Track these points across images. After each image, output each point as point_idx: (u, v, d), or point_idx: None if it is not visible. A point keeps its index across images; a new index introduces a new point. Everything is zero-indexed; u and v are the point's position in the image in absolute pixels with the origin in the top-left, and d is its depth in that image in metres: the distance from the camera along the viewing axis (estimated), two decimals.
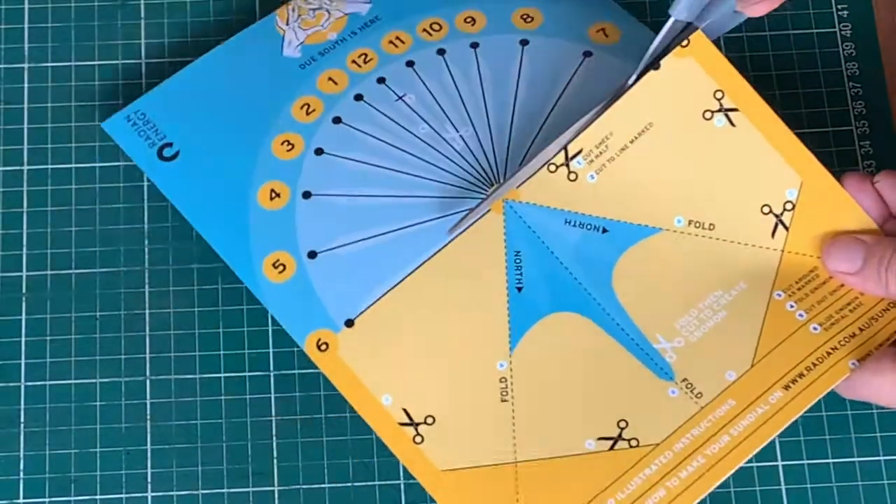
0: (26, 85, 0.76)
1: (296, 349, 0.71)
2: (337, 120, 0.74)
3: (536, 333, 0.68)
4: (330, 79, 0.75)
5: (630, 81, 0.69)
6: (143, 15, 0.78)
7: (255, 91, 0.74)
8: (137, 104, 0.74)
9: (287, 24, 0.76)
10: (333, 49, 0.76)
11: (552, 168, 0.69)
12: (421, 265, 0.69)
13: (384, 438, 0.66)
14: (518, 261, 0.69)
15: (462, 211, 0.71)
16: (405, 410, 0.67)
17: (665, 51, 0.69)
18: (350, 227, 0.71)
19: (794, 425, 0.70)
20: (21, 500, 0.69)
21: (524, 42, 0.75)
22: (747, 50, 0.77)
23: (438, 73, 0.75)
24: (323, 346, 0.68)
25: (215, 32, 0.77)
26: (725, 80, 0.68)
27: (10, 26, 0.77)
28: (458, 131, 0.73)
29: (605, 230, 0.69)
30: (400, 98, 0.74)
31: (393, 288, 0.69)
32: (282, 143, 0.73)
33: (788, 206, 0.68)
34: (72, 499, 0.69)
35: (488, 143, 0.73)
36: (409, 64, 0.75)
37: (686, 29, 0.68)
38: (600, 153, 0.68)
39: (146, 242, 0.73)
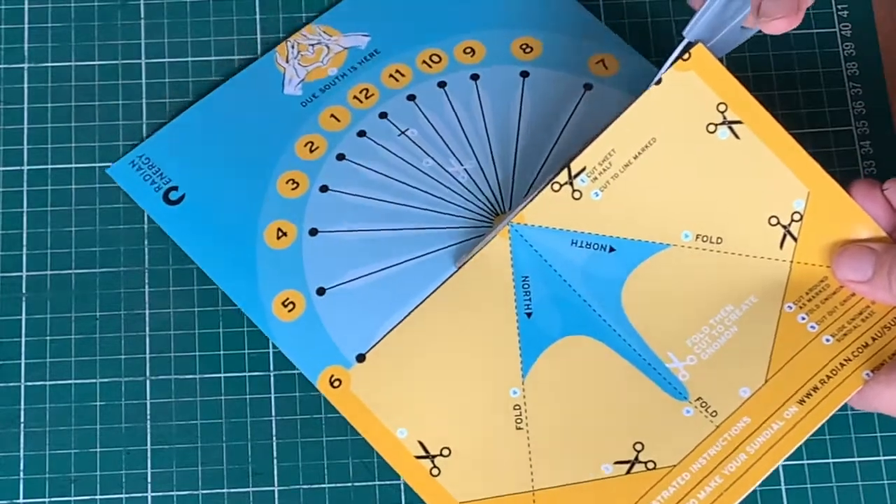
0: (26, 85, 0.76)
1: None
2: (341, 157, 0.74)
3: (548, 358, 0.68)
4: (332, 115, 0.75)
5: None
6: (143, 15, 0.78)
7: (258, 131, 0.75)
8: (141, 149, 0.74)
9: (287, 61, 0.76)
10: (334, 85, 0.76)
11: (556, 187, 0.68)
12: (429, 296, 0.70)
13: (401, 473, 0.67)
14: (526, 286, 0.69)
15: (468, 240, 0.71)
16: (421, 443, 0.67)
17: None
18: (357, 262, 0.72)
19: None
20: (21, 500, 0.69)
21: (524, 74, 0.76)
22: (747, 50, 0.77)
23: (440, 106, 0.75)
24: (336, 383, 0.69)
25: (215, 33, 0.77)
26: (728, 92, 0.67)
27: (10, 26, 0.77)
28: (461, 164, 0.74)
29: (611, 249, 0.69)
30: (402, 133, 0.74)
31: (402, 321, 0.70)
32: (287, 182, 0.73)
33: (796, 216, 0.68)
34: (72, 499, 0.69)
35: (493, 175, 0.73)
36: (411, 98, 0.75)
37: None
38: (604, 170, 0.68)
39: (146, 242, 0.73)
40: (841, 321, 0.67)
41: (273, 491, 0.69)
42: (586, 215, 0.69)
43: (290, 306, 0.71)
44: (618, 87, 0.75)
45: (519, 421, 0.67)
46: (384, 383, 0.68)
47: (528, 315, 0.68)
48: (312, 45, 0.76)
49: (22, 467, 0.70)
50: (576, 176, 0.68)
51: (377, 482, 0.70)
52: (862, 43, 0.78)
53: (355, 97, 0.75)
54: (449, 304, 0.69)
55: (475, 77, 0.76)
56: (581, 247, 0.69)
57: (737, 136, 0.67)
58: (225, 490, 0.69)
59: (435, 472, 0.66)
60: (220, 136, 0.74)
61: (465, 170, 0.73)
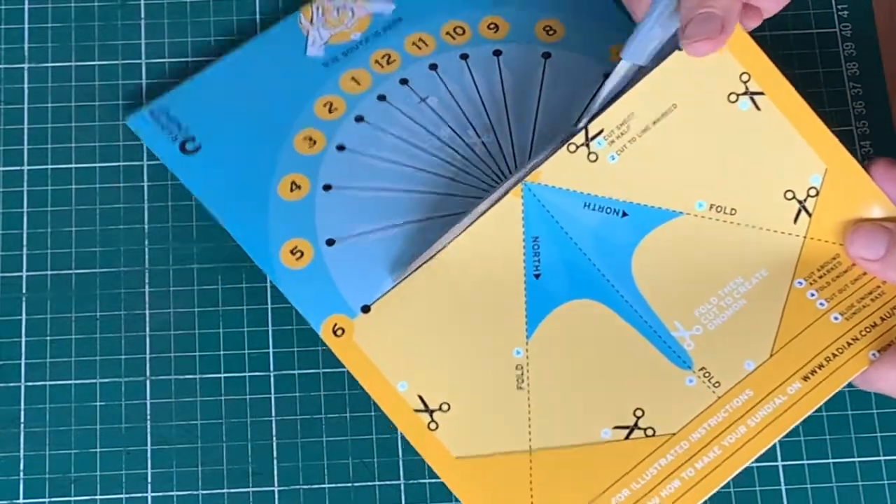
0: (26, 85, 0.76)
1: (296, 349, 0.71)
2: (359, 118, 0.74)
3: (553, 321, 0.68)
4: (353, 78, 0.75)
5: (580, 125, 0.68)
6: (143, 15, 0.78)
7: (278, 89, 0.75)
8: (161, 101, 0.75)
9: (311, 22, 0.76)
10: (357, 49, 0.76)
11: (572, 148, 0.68)
12: (438, 252, 0.69)
13: (398, 425, 0.66)
14: (536, 247, 0.69)
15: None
16: (420, 397, 0.67)
17: (618, 95, 0.68)
18: (369, 217, 0.71)
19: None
20: (21, 501, 0.69)
21: (546, 55, 0.76)
22: None
23: (461, 77, 0.75)
24: (339, 332, 0.68)
25: (215, 33, 0.77)
26: (752, 63, 0.67)
27: (10, 26, 0.77)
28: (479, 137, 0.74)
29: (624, 214, 0.68)
30: (423, 100, 0.74)
31: (410, 274, 0.69)
32: (304, 139, 0.73)
33: (812, 192, 0.67)
34: (72, 499, 0.69)
35: (509, 151, 0.73)
36: (433, 67, 0.75)
37: (640, 71, 0.67)
38: (622, 134, 0.68)
39: (146, 242, 0.73)
40: (851, 300, 0.67)
41: (273, 491, 0.70)
42: (601, 178, 0.68)
43: (299, 255, 0.71)
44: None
45: (520, 381, 0.67)
46: (387, 335, 0.68)
47: (536, 276, 0.68)
48: (337, 8, 0.76)
49: (22, 467, 0.70)
50: (593, 138, 0.68)
51: (377, 482, 0.70)
52: (862, 43, 0.78)
53: (377, 62, 0.75)
54: (457, 260, 0.69)
55: (497, 53, 0.76)
56: (594, 210, 0.68)
57: (758, 108, 0.67)
58: (225, 490, 0.69)
59: (433, 426, 0.66)
60: (239, 92, 0.75)
61: (483, 142, 0.73)
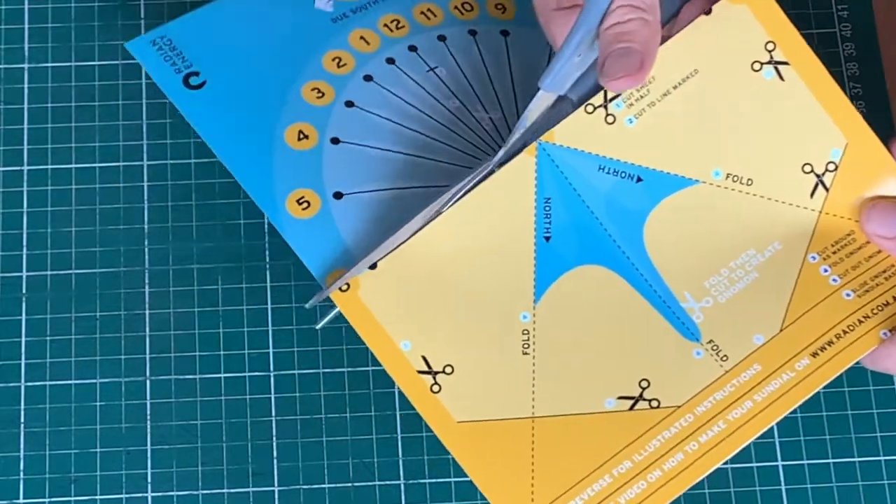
0: (26, 85, 0.76)
1: (296, 349, 0.71)
2: (368, 78, 0.73)
3: (562, 286, 0.67)
4: (362, 37, 0.74)
5: (495, 160, 0.67)
6: (143, 15, 0.78)
7: (285, 36, 0.74)
8: (163, 29, 0.73)
9: None
10: (366, 9, 0.75)
11: (589, 109, 0.67)
12: (447, 209, 0.68)
13: (401, 385, 0.65)
14: (547, 208, 0.68)
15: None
16: (424, 358, 0.65)
17: (541, 125, 0.67)
18: (378, 176, 0.70)
19: (794, 425, 0.70)
20: (21, 501, 0.69)
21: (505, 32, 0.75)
22: None
23: (469, 52, 0.74)
24: (344, 287, 0.66)
25: None
26: (779, 31, 0.66)
27: (10, 26, 0.77)
28: (487, 113, 0.73)
29: (639, 179, 0.67)
30: (431, 69, 0.74)
31: (418, 231, 0.68)
32: (312, 90, 0.72)
33: (831, 166, 0.67)
34: (72, 499, 0.69)
35: None
36: (441, 38, 0.75)
37: (558, 101, 0.66)
38: (641, 97, 0.66)
39: (146, 242, 0.73)
40: (864, 277, 0.66)
41: (273, 491, 0.70)
42: (617, 141, 0.67)
43: (305, 205, 0.69)
44: None
45: (526, 346, 0.66)
46: (393, 294, 0.66)
47: (547, 239, 0.67)
48: None
49: (22, 467, 0.70)
50: (611, 100, 0.66)
51: (377, 482, 0.70)
52: (862, 43, 0.78)
53: (385, 25, 0.75)
54: (467, 220, 0.68)
55: (505, 33, 0.75)
56: (608, 173, 0.67)
57: (781, 78, 0.66)
58: (225, 490, 0.69)
59: (435, 388, 0.65)
60: (246, 31, 0.73)
61: (491, 118, 0.73)
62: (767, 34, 0.66)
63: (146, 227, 0.74)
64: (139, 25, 0.78)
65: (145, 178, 0.75)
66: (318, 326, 0.67)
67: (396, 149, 0.71)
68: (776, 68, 0.66)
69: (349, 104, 0.72)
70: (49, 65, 0.77)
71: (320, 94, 0.72)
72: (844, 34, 0.78)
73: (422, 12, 0.75)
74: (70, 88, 0.76)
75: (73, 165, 0.75)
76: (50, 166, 0.75)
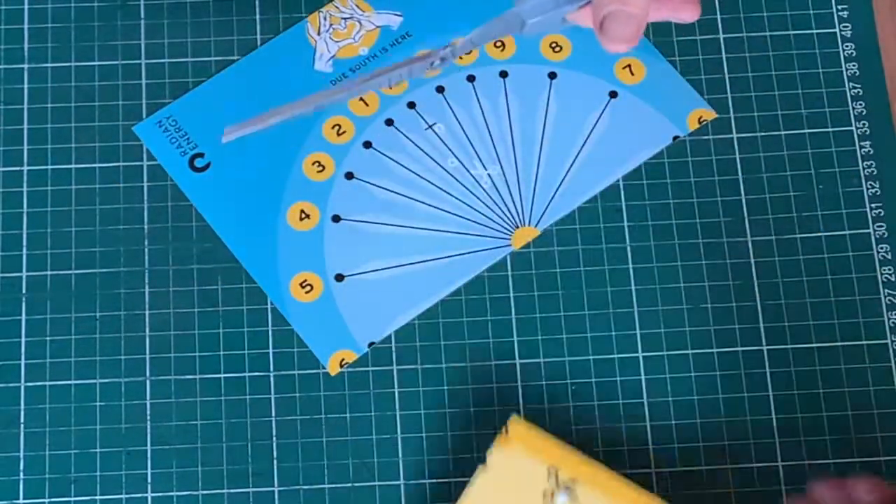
0: (26, 85, 0.76)
1: (296, 350, 0.71)
2: (367, 144, 0.75)
3: None
4: (361, 99, 0.75)
5: (442, 50, 0.65)
6: (142, 15, 0.78)
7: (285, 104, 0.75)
8: (169, 109, 0.75)
9: (318, 33, 0.76)
10: (365, 66, 0.76)
11: None
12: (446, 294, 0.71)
13: None
14: None
15: (486, 249, 0.72)
16: None
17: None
18: (377, 254, 0.73)
19: (794, 425, 0.71)
20: (21, 501, 0.69)
21: (552, 75, 0.76)
22: (748, 51, 0.77)
23: (468, 102, 0.76)
24: (345, 366, 0.70)
25: (215, 33, 0.77)
26: (555, 455, 0.66)
27: (10, 26, 0.77)
28: (486, 169, 0.74)
29: None
30: (430, 127, 0.75)
31: (417, 316, 0.71)
32: (312, 164, 0.74)
33: None
34: (72, 499, 0.69)
35: (515, 184, 0.74)
36: (440, 90, 0.76)
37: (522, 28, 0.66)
38: None
39: (146, 243, 0.73)
40: None
41: (273, 491, 0.70)
42: None
43: (308, 288, 0.72)
44: (642, 97, 0.76)
45: None
46: None
47: None
48: (345, 18, 0.77)
49: (22, 468, 0.70)
50: None
51: (377, 482, 0.70)
52: (862, 43, 0.78)
53: None
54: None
55: (504, 74, 0.76)
56: None
57: (576, 497, 0.66)
58: (225, 490, 0.69)
59: None
60: (248, 105, 0.75)
61: (489, 175, 0.74)
62: (545, 462, 0.66)
63: (146, 227, 0.74)
64: (139, 25, 0.78)
65: (145, 178, 0.75)
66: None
67: (395, 222, 0.73)
68: (567, 490, 0.66)
69: (349, 176, 0.74)
70: (49, 65, 0.77)
71: (321, 168, 0.74)
72: (844, 34, 0.78)
73: None
74: (70, 88, 0.76)
75: (73, 165, 0.75)
76: (50, 166, 0.75)
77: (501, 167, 0.74)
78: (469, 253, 0.72)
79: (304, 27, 0.77)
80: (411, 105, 0.75)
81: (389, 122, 0.75)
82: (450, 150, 0.75)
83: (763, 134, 0.76)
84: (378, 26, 0.77)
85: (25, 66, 0.77)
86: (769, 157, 0.76)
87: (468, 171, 0.74)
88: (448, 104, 0.75)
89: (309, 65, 0.76)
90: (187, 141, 0.74)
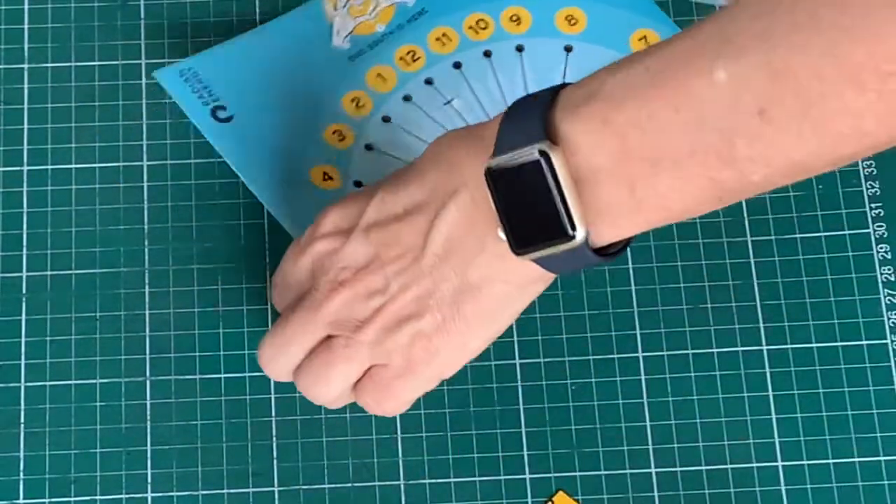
0: (26, 85, 0.76)
1: None
2: (386, 119, 0.75)
3: None
4: (379, 75, 0.75)
5: None
6: (142, 15, 0.78)
7: (305, 76, 0.75)
8: (191, 61, 0.74)
9: (335, 8, 0.76)
10: (381, 42, 0.76)
11: None
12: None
13: None
14: None
15: None
16: None
17: None
18: None
19: (794, 425, 0.71)
20: (21, 501, 0.69)
21: (568, 48, 0.76)
22: None
23: (485, 77, 0.75)
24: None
25: (215, 33, 0.77)
26: None
27: (10, 26, 0.77)
28: None
29: None
30: (448, 102, 0.75)
31: None
32: (333, 133, 0.74)
33: None
34: (72, 499, 0.69)
35: None
36: (457, 66, 0.76)
37: None
38: None
39: (146, 243, 0.73)
40: None
41: (273, 491, 0.69)
42: None
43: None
44: None
45: None
46: None
47: None
48: None
49: (22, 468, 0.70)
50: None
51: (377, 482, 0.70)
52: None
53: (402, 58, 0.76)
54: None
55: (520, 49, 0.76)
56: None
57: None
58: (225, 490, 0.69)
59: None
60: (268, 70, 0.75)
61: None
62: None
63: (146, 227, 0.74)
64: (139, 25, 0.78)
65: (145, 178, 0.75)
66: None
67: None
68: None
69: (369, 147, 0.74)
70: (49, 65, 0.77)
71: (341, 137, 0.74)
72: None
73: (437, 38, 0.76)
74: (70, 88, 0.76)
75: (73, 165, 0.75)
76: (50, 166, 0.75)
77: None
78: None
79: (320, 2, 0.77)
80: (429, 81, 0.75)
81: (407, 98, 0.75)
82: (467, 124, 0.74)
83: None
84: (394, 2, 0.77)
85: (25, 66, 0.77)
86: None
87: None
88: (466, 80, 0.75)
89: (326, 39, 0.76)
90: (209, 93, 0.74)
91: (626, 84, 0.56)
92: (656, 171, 0.55)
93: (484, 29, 0.76)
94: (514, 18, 0.77)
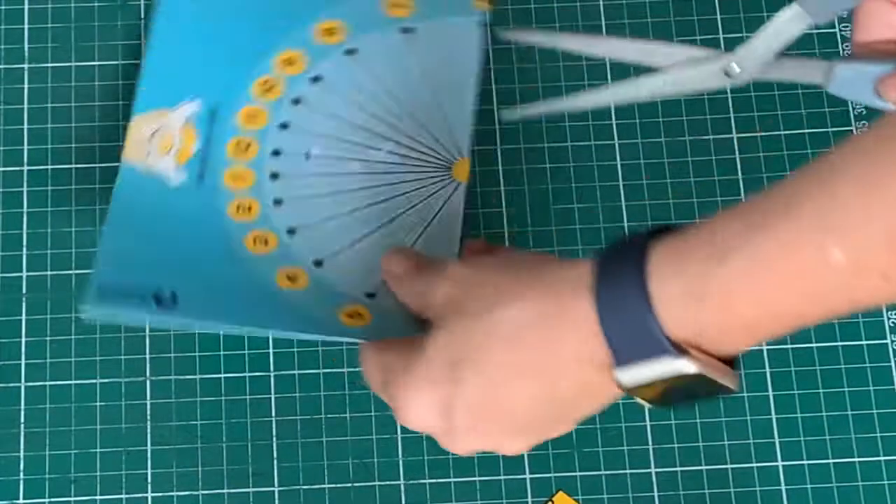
0: (26, 85, 0.76)
1: (295, 349, 0.71)
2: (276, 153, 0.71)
3: None
4: (235, 176, 0.71)
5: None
6: (142, 15, 0.78)
7: (185, 223, 0.70)
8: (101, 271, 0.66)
9: (147, 156, 0.71)
10: (206, 158, 0.71)
11: None
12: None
13: None
14: None
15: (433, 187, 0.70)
16: None
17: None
18: (341, 238, 0.69)
19: (794, 425, 0.71)
20: (21, 501, 0.69)
21: (406, 30, 0.73)
22: None
23: (322, 106, 0.72)
24: (355, 316, 0.66)
25: None
26: None
27: (10, 26, 0.77)
28: (381, 149, 0.71)
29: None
30: (306, 154, 0.71)
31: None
32: (254, 241, 0.69)
33: None
34: (72, 499, 0.69)
35: (420, 146, 0.71)
36: (295, 101, 0.72)
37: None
38: None
39: None
40: None
41: (273, 491, 0.70)
42: None
43: (293, 280, 0.67)
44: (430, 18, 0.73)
45: None
46: None
47: None
48: (153, 134, 0.72)
49: (22, 468, 0.70)
50: None
51: (377, 482, 0.70)
52: None
53: (234, 149, 0.71)
54: None
55: (351, 52, 0.73)
56: None
57: None
58: (225, 490, 0.69)
59: None
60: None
61: (389, 152, 0.71)
62: None
63: None
64: (139, 25, 0.78)
65: None
66: None
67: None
68: None
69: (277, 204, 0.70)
70: (49, 65, 0.77)
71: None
72: (844, 34, 0.78)
73: (247, 115, 0.72)
74: (70, 88, 0.76)
75: (73, 165, 0.75)
76: (50, 166, 0.75)
77: (395, 141, 0.71)
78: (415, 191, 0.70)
79: (134, 168, 0.71)
80: (284, 127, 0.72)
81: (297, 102, 0.72)
82: (346, 152, 0.72)
83: (763, 134, 0.76)
84: (184, 120, 0.72)
85: (25, 66, 0.77)
86: (769, 157, 0.76)
87: (370, 160, 0.71)
88: (304, 125, 0.72)
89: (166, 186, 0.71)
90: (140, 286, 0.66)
91: (739, 281, 0.53)
92: (754, 333, 0.55)
93: (331, 34, 0.73)
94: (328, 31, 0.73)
